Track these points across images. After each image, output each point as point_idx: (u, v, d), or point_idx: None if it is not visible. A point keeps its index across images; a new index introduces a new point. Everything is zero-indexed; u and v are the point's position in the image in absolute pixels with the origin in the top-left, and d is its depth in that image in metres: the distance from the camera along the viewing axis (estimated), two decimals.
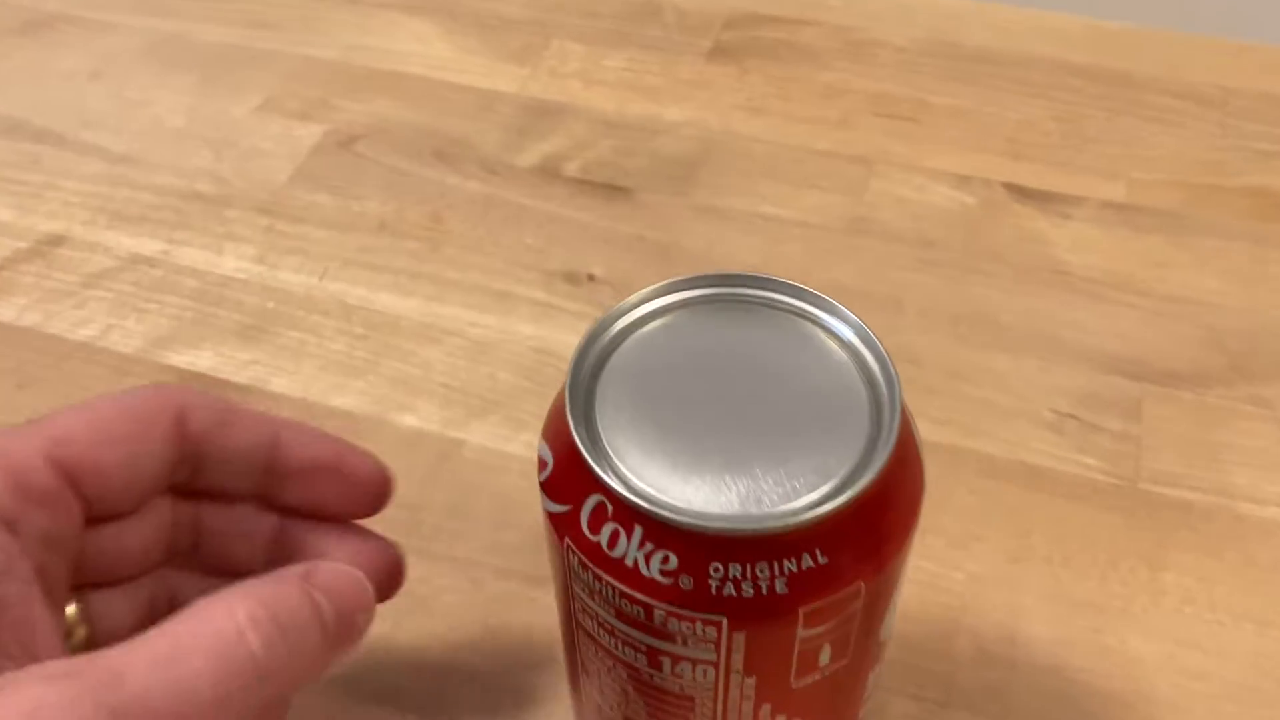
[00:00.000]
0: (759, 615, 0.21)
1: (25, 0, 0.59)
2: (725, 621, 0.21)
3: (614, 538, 0.21)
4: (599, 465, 0.21)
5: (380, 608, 0.35)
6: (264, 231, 0.47)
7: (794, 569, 0.21)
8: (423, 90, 0.54)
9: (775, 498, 0.21)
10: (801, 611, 0.21)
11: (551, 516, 0.23)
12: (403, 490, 0.38)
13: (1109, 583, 0.36)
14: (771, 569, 0.21)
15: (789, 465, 0.22)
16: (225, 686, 0.21)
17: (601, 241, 0.47)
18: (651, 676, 0.24)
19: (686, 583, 0.21)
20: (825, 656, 0.23)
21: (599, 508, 0.22)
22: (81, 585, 0.27)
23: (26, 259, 0.46)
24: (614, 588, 0.22)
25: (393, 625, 0.35)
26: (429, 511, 0.38)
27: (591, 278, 0.45)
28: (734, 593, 0.21)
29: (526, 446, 0.40)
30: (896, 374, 0.22)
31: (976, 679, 0.34)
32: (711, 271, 0.25)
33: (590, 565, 0.22)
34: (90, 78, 0.55)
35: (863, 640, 0.24)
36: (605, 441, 0.22)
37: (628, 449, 0.22)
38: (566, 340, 0.43)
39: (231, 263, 0.46)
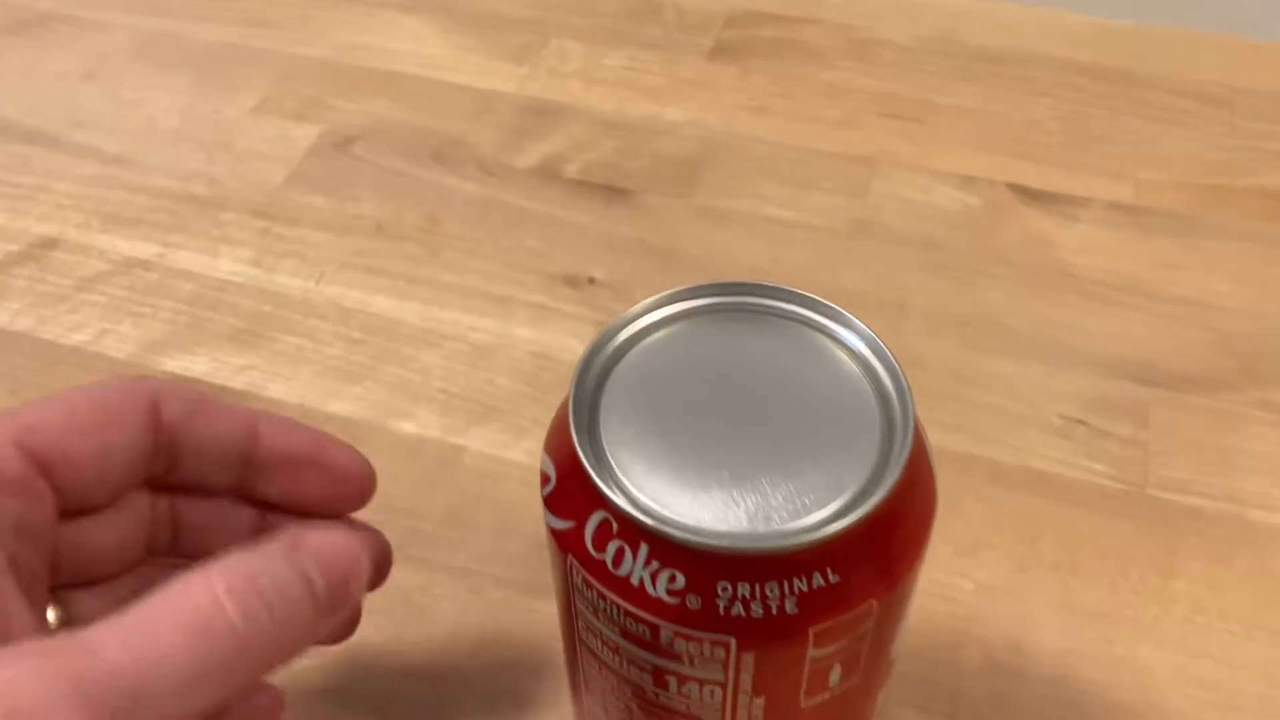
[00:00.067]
0: (768, 635, 0.21)
1: None
2: (733, 641, 0.21)
3: (619, 555, 0.21)
4: (603, 481, 0.21)
5: (379, 616, 0.35)
6: (260, 234, 0.47)
7: (804, 588, 0.20)
8: (420, 90, 0.53)
9: (785, 515, 0.20)
10: (812, 631, 0.21)
11: (554, 532, 0.22)
12: (401, 497, 0.38)
13: (1118, 591, 0.36)
14: (781, 588, 0.20)
15: (799, 480, 0.21)
16: (203, 660, 0.20)
17: (602, 244, 0.46)
18: (657, 696, 0.23)
19: (694, 602, 0.21)
20: (835, 676, 0.23)
21: (603, 525, 0.21)
22: (61, 585, 0.26)
23: (19, 262, 0.46)
24: (619, 606, 0.21)
25: (391, 634, 0.35)
26: (428, 519, 0.37)
27: (592, 281, 0.45)
28: (743, 612, 0.20)
29: (526, 454, 0.39)
30: (909, 386, 0.22)
31: (984, 689, 0.33)
32: (717, 279, 0.24)
33: (594, 583, 0.21)
34: (83, 77, 0.54)
35: (874, 658, 0.23)
36: (610, 456, 0.22)
37: (633, 463, 0.21)
38: (567, 345, 0.43)
39: (227, 266, 0.45)
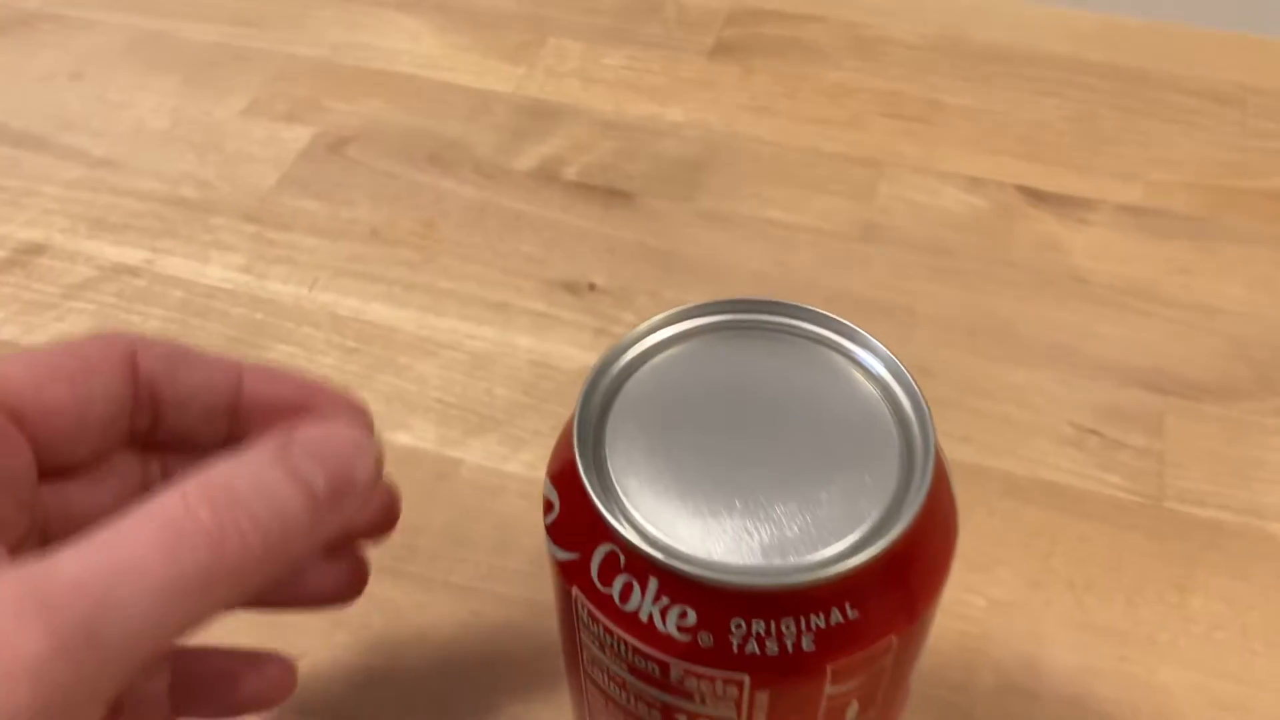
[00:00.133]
0: (784, 674, 0.20)
1: None
2: (747, 680, 0.20)
3: (627, 590, 0.20)
4: (610, 512, 0.20)
5: (375, 637, 0.34)
6: (251, 239, 0.45)
7: (821, 624, 0.19)
8: (415, 90, 0.52)
9: (801, 547, 0.19)
10: (829, 669, 0.20)
11: (558, 564, 0.21)
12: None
13: (1135, 608, 0.35)
14: (798, 625, 0.19)
15: (815, 511, 0.20)
16: (178, 570, 0.19)
17: (602, 249, 0.45)
18: None
19: (706, 640, 0.19)
20: (852, 712, 0.22)
21: (610, 558, 0.20)
22: None
23: (5, 269, 0.44)
24: (626, 643, 0.20)
25: (389, 656, 0.34)
26: (426, 535, 0.36)
27: (592, 287, 0.44)
28: (757, 650, 0.19)
29: (525, 466, 0.38)
30: (929, 411, 0.21)
31: (998, 711, 0.33)
32: (727, 296, 0.23)
33: (601, 618, 0.20)
34: (70, 78, 0.53)
35: (892, 692, 0.22)
36: (616, 484, 0.21)
37: (641, 492, 0.20)
38: (567, 353, 0.41)
39: (218, 272, 0.44)
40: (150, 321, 0.42)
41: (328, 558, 0.28)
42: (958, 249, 0.45)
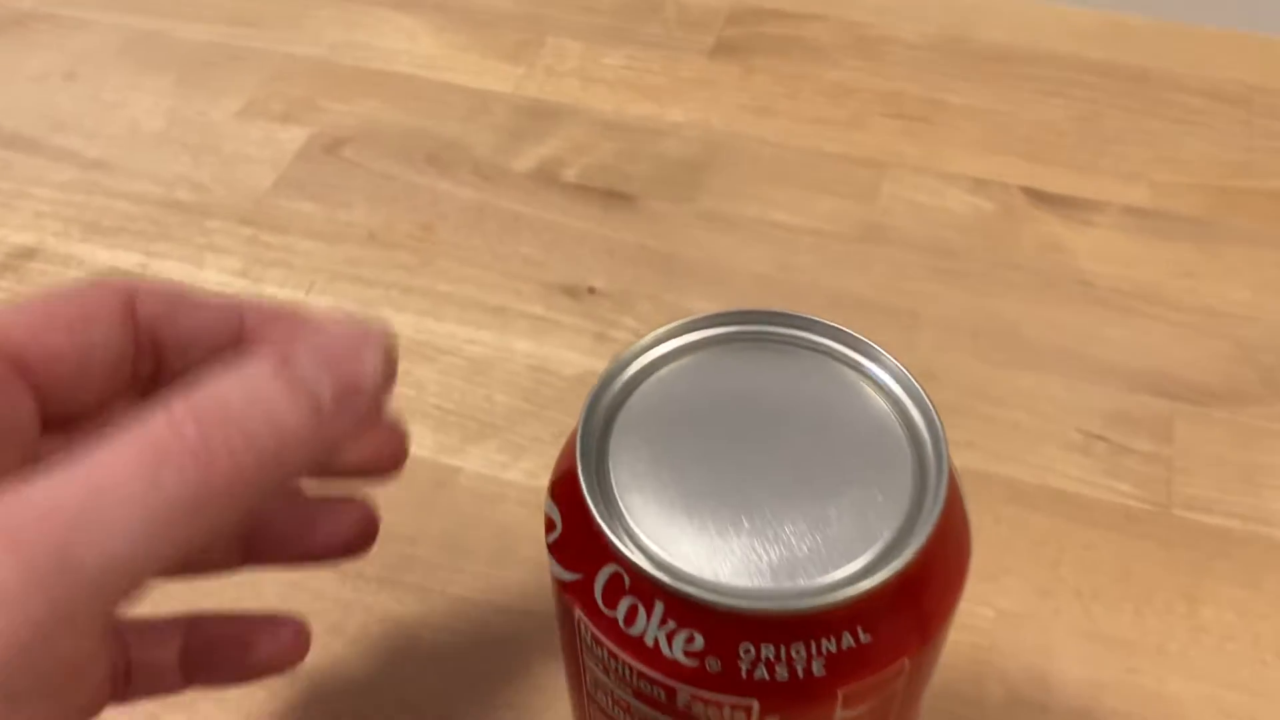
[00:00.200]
0: (794, 699, 0.19)
1: None
2: (756, 705, 0.19)
3: (632, 613, 0.19)
4: (614, 532, 0.19)
5: (372, 649, 0.34)
6: (247, 242, 0.45)
7: (832, 649, 0.19)
8: (412, 91, 0.52)
9: (812, 568, 0.19)
10: (841, 693, 0.19)
11: (560, 584, 0.21)
12: (394, 522, 0.36)
13: (1144, 618, 0.34)
14: (808, 649, 0.19)
15: (826, 530, 0.19)
16: (162, 490, 0.17)
17: (602, 251, 0.45)
18: None
19: (713, 665, 0.19)
20: None
21: (614, 579, 0.20)
22: None
23: None
24: (631, 667, 0.20)
25: (387, 669, 0.33)
26: (424, 545, 0.36)
27: (592, 291, 0.43)
28: (766, 675, 0.19)
29: (525, 474, 0.38)
30: (943, 428, 0.20)
31: None
32: (728, 299, 0.23)
33: (605, 641, 0.20)
34: (63, 79, 0.52)
35: (904, 714, 0.22)
36: (621, 502, 0.20)
37: (646, 511, 0.20)
38: (567, 358, 0.41)
39: (213, 276, 0.44)
40: None
41: (333, 509, 0.27)
42: (961, 251, 0.45)
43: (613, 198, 0.47)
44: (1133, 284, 0.43)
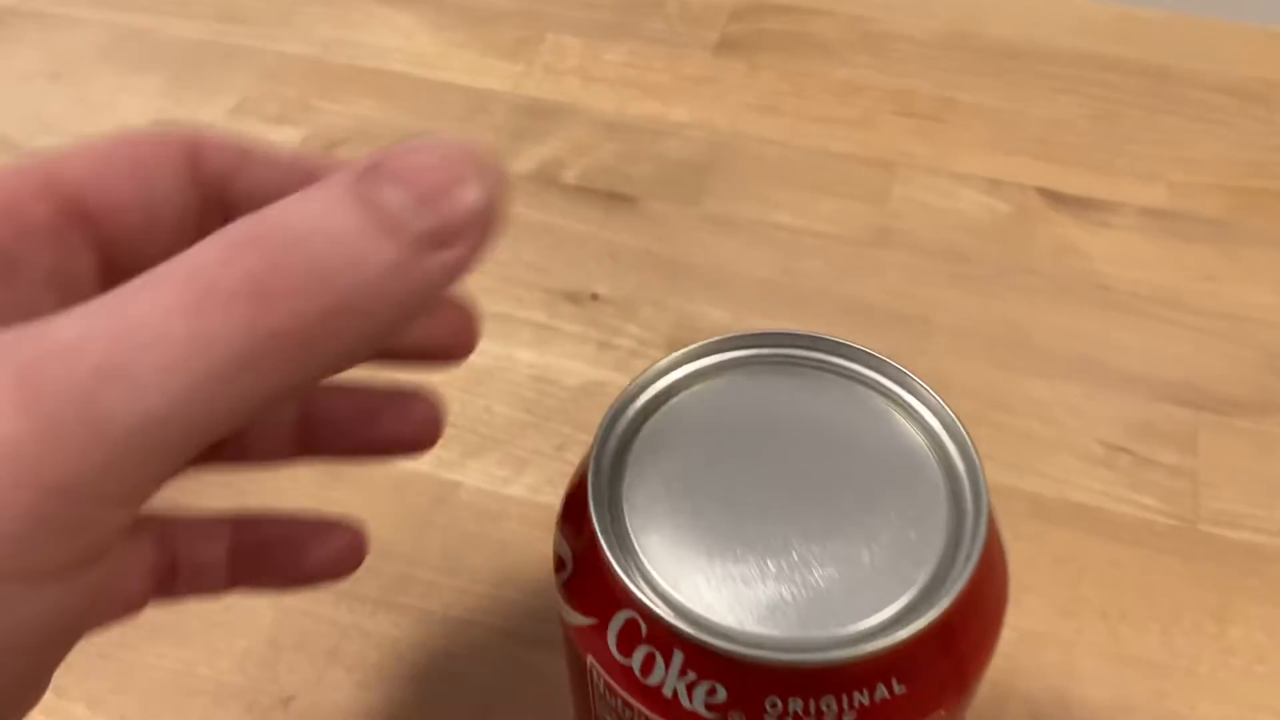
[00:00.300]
0: None
1: None
2: None
3: (649, 662, 0.18)
4: (629, 575, 0.18)
5: (370, 675, 0.32)
6: None
7: (865, 702, 0.18)
8: (408, 90, 0.50)
9: (843, 616, 0.18)
10: None
11: (572, 629, 0.19)
12: (391, 540, 0.35)
13: (1171, 638, 0.33)
14: (839, 703, 0.17)
15: (857, 573, 0.18)
16: (207, 328, 0.14)
17: (604, 256, 0.43)
18: None
19: (737, 719, 0.18)
20: None
21: (630, 626, 0.18)
22: None
23: None
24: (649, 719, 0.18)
25: (384, 696, 0.32)
26: (422, 565, 0.35)
27: (595, 297, 0.42)
28: None
29: (528, 489, 0.36)
30: (981, 467, 0.19)
31: None
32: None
33: (620, 691, 0.19)
34: (50, 79, 0.51)
35: None
36: (636, 542, 0.19)
37: (664, 552, 0.19)
38: (569, 367, 0.40)
39: None
40: None
41: (397, 401, 0.24)
42: (975, 254, 0.43)
43: (614, 200, 0.45)
44: (1152, 288, 0.42)
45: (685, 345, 0.21)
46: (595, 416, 0.20)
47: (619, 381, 0.39)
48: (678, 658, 0.18)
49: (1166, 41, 0.52)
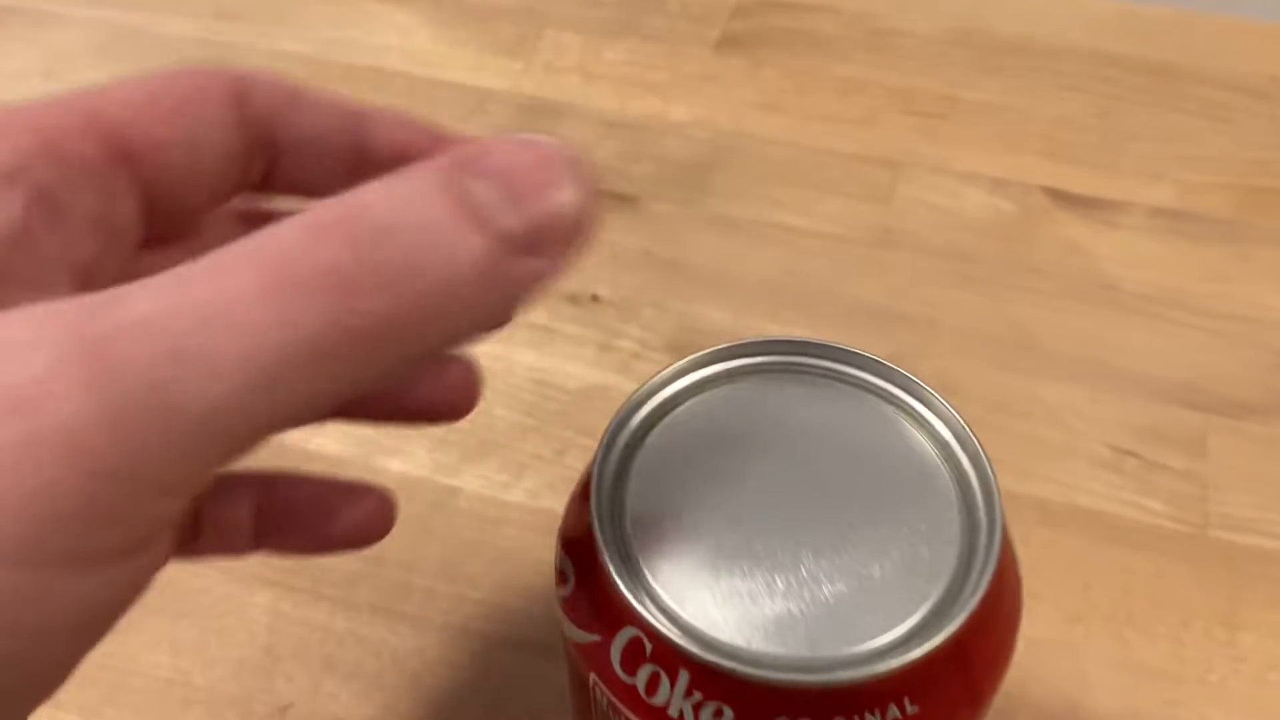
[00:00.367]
0: None
1: None
2: None
3: (653, 682, 0.18)
4: (633, 592, 0.17)
5: (367, 685, 0.32)
6: None
7: None
8: (406, 88, 0.50)
9: (853, 634, 0.17)
10: None
11: (575, 646, 0.19)
12: (389, 546, 0.34)
13: (1182, 646, 0.32)
14: None
15: (868, 590, 0.18)
16: (286, 317, 0.13)
17: (605, 256, 0.43)
18: None
19: None
20: None
21: (634, 644, 0.18)
22: None
23: None
24: None
25: (383, 706, 0.31)
26: (421, 572, 0.34)
27: (596, 298, 0.41)
28: None
29: (528, 494, 0.36)
30: (997, 484, 0.18)
31: None
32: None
33: (623, 710, 0.18)
34: (42, 77, 0.50)
35: None
36: (640, 557, 0.18)
37: (668, 567, 0.18)
38: (570, 370, 0.39)
39: None
40: None
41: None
42: (981, 255, 0.43)
43: (615, 200, 0.45)
44: (1159, 289, 0.41)
45: (687, 347, 0.20)
46: (596, 420, 0.20)
47: (620, 384, 0.38)
48: (683, 677, 0.17)
49: (1172, 38, 0.51)
